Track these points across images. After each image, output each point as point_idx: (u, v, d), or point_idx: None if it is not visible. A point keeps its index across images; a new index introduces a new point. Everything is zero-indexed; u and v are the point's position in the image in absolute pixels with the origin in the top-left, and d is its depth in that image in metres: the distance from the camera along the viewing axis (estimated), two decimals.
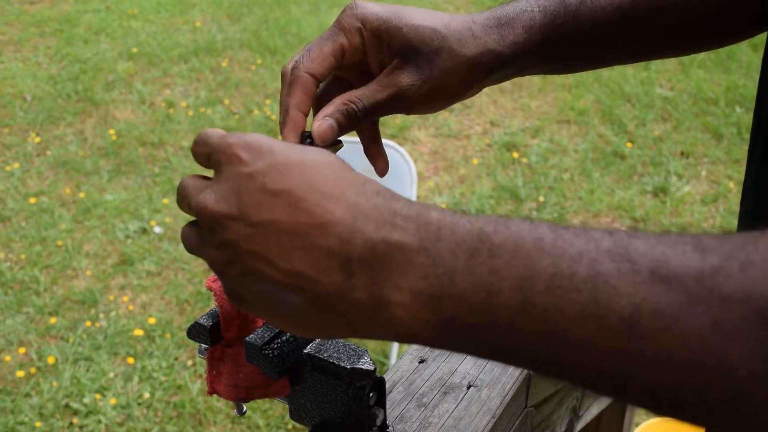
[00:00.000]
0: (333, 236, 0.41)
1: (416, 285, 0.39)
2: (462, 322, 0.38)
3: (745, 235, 0.34)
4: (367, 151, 0.65)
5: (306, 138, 0.58)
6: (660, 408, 0.36)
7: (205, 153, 0.47)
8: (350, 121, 0.58)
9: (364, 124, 0.61)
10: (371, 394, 0.60)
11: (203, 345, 0.62)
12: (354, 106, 0.58)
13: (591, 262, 0.36)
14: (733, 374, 0.33)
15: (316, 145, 0.58)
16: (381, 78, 0.59)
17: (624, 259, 0.35)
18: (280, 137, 0.57)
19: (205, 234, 0.46)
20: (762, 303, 0.32)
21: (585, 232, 0.37)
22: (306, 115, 0.58)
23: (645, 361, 0.34)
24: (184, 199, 0.47)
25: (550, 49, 0.63)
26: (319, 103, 0.60)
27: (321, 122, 0.57)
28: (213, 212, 0.44)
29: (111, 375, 2.54)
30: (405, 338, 0.41)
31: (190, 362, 2.61)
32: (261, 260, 0.42)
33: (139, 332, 2.72)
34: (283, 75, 0.59)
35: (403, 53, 0.59)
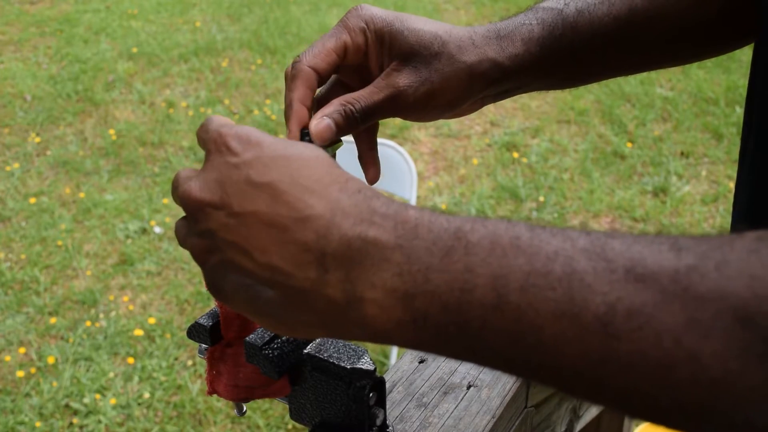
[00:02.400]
0: (310, 231, 0.41)
1: (390, 282, 0.39)
2: (435, 320, 0.38)
3: (722, 236, 0.34)
4: (361, 158, 0.65)
5: (305, 135, 0.58)
6: (635, 409, 0.35)
7: (203, 139, 0.48)
8: (348, 122, 0.59)
9: (362, 127, 0.61)
10: (371, 394, 0.60)
11: (203, 345, 0.62)
12: (352, 107, 0.59)
13: (567, 260, 0.36)
14: (706, 373, 0.33)
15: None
16: (379, 80, 0.60)
17: (600, 258, 0.35)
18: (282, 135, 0.57)
19: (189, 223, 0.46)
20: (736, 302, 0.32)
21: (562, 231, 0.37)
22: (309, 109, 0.59)
23: (619, 361, 0.34)
24: (175, 190, 0.48)
25: (549, 62, 0.64)
26: (319, 105, 0.61)
27: (319, 121, 0.58)
28: (196, 200, 0.44)
29: (111, 375, 2.54)
30: (379, 338, 0.41)
31: (190, 362, 2.61)
32: (239, 252, 0.43)
33: (139, 332, 2.72)
34: (286, 73, 0.60)
35: (403, 56, 0.60)
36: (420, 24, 0.60)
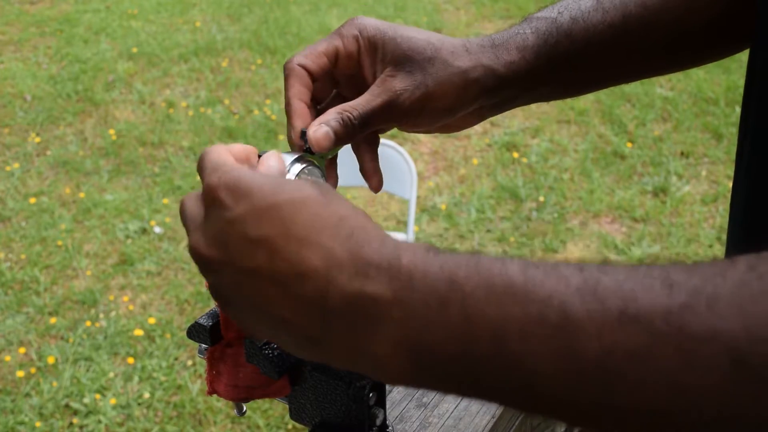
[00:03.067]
0: (310, 287, 0.41)
1: (393, 336, 0.40)
2: (440, 369, 0.39)
3: (715, 264, 0.34)
4: (364, 170, 0.65)
5: (305, 134, 0.58)
6: None
7: (202, 185, 0.49)
8: (346, 129, 0.59)
9: (361, 135, 0.61)
10: (371, 394, 0.60)
11: (203, 345, 0.62)
12: (349, 114, 0.59)
13: (561, 304, 0.36)
14: (702, 414, 0.33)
15: (313, 151, 0.59)
16: (374, 87, 0.60)
17: (594, 299, 0.35)
18: (282, 135, 0.57)
19: (202, 270, 0.48)
20: (729, 341, 0.32)
21: (555, 270, 0.37)
22: (307, 105, 0.59)
23: (616, 403, 0.35)
24: (184, 226, 0.49)
25: (545, 69, 0.64)
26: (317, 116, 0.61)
27: (317, 128, 0.58)
28: (204, 257, 0.46)
29: (111, 375, 2.55)
30: (387, 381, 0.43)
31: (190, 362, 2.61)
32: (251, 306, 0.44)
33: (139, 332, 2.72)
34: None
35: (397, 61, 0.60)
36: (412, 32, 0.61)
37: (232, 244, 0.44)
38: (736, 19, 0.65)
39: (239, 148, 0.53)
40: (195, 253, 0.46)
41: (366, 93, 0.60)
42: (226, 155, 0.49)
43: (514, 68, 0.63)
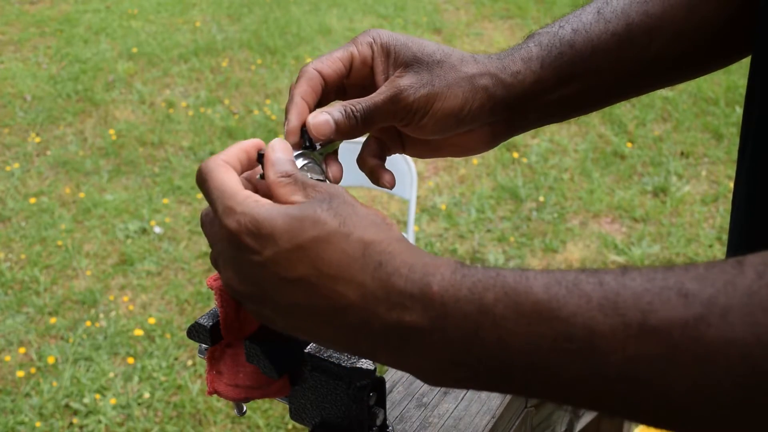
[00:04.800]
0: (352, 317, 0.45)
1: (435, 356, 0.44)
2: (482, 379, 0.44)
3: (724, 271, 0.37)
4: (374, 173, 0.65)
5: (304, 133, 0.58)
6: None
7: (208, 234, 0.52)
8: (348, 121, 0.59)
9: (363, 131, 0.61)
10: (371, 394, 0.60)
11: (203, 345, 0.62)
12: (352, 107, 0.59)
13: (585, 321, 0.39)
14: (717, 417, 0.36)
15: (313, 145, 0.59)
16: (382, 86, 0.61)
17: (615, 313, 0.38)
18: (281, 135, 0.58)
19: (239, 300, 0.52)
20: (742, 349, 0.35)
21: (576, 287, 0.40)
22: (309, 106, 0.60)
23: (641, 406, 0.38)
24: (204, 231, 0.53)
25: (552, 80, 0.64)
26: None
27: (317, 114, 0.58)
28: (240, 293, 0.49)
29: (111, 375, 2.54)
30: (431, 384, 0.47)
31: (190, 362, 2.61)
32: (294, 327, 0.49)
33: (139, 332, 2.72)
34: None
35: (406, 63, 0.61)
36: (425, 41, 0.63)
37: (266, 283, 0.47)
38: (740, 25, 0.65)
39: (234, 153, 0.53)
40: (230, 289, 0.50)
41: (374, 92, 0.61)
42: (227, 177, 0.50)
43: (521, 78, 0.63)
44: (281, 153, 0.52)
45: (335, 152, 0.62)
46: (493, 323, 0.41)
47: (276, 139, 0.55)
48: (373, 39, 0.62)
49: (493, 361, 0.42)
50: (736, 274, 0.36)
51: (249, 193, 0.49)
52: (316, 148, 0.59)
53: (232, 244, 0.48)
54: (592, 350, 0.38)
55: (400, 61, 0.61)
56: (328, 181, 0.60)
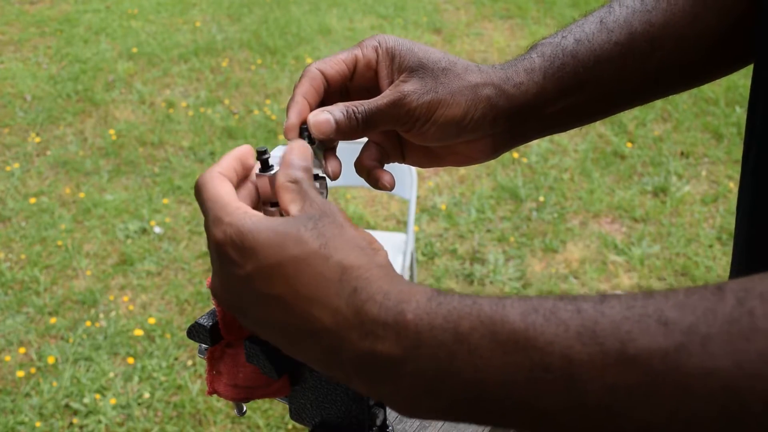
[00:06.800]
0: (325, 341, 0.45)
1: (409, 386, 0.42)
2: (458, 410, 0.42)
3: (705, 298, 0.36)
4: (373, 175, 0.65)
5: (304, 131, 0.58)
6: None
7: (212, 241, 0.52)
8: (349, 122, 0.59)
9: (363, 133, 0.61)
10: None
11: (203, 345, 0.62)
12: (354, 108, 0.59)
13: (563, 350, 0.38)
14: None
15: (313, 140, 0.59)
16: (386, 91, 0.61)
17: (593, 342, 0.37)
18: (281, 135, 0.58)
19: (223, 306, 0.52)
20: (723, 379, 0.34)
21: (554, 315, 0.39)
22: (310, 105, 0.60)
23: None
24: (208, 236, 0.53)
25: (554, 91, 0.64)
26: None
27: (318, 112, 0.58)
28: (224, 301, 0.50)
29: (111, 375, 2.55)
30: (404, 415, 0.46)
31: (190, 362, 2.61)
32: (276, 343, 0.49)
33: (139, 332, 2.72)
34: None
35: (411, 69, 0.61)
36: (430, 48, 0.63)
37: (245, 297, 0.47)
38: (742, 34, 0.64)
39: (229, 164, 0.53)
40: (215, 296, 0.51)
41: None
42: (221, 188, 0.50)
43: (524, 89, 0.63)
44: (297, 157, 0.52)
45: (334, 148, 0.63)
46: (469, 352, 0.40)
47: (298, 140, 0.55)
48: (379, 43, 0.62)
49: (468, 392, 0.41)
50: (717, 301, 0.35)
51: (240, 204, 0.49)
52: (313, 143, 0.59)
53: (219, 255, 0.48)
54: (570, 379, 0.37)
55: (404, 66, 0.61)
56: (327, 177, 0.60)
